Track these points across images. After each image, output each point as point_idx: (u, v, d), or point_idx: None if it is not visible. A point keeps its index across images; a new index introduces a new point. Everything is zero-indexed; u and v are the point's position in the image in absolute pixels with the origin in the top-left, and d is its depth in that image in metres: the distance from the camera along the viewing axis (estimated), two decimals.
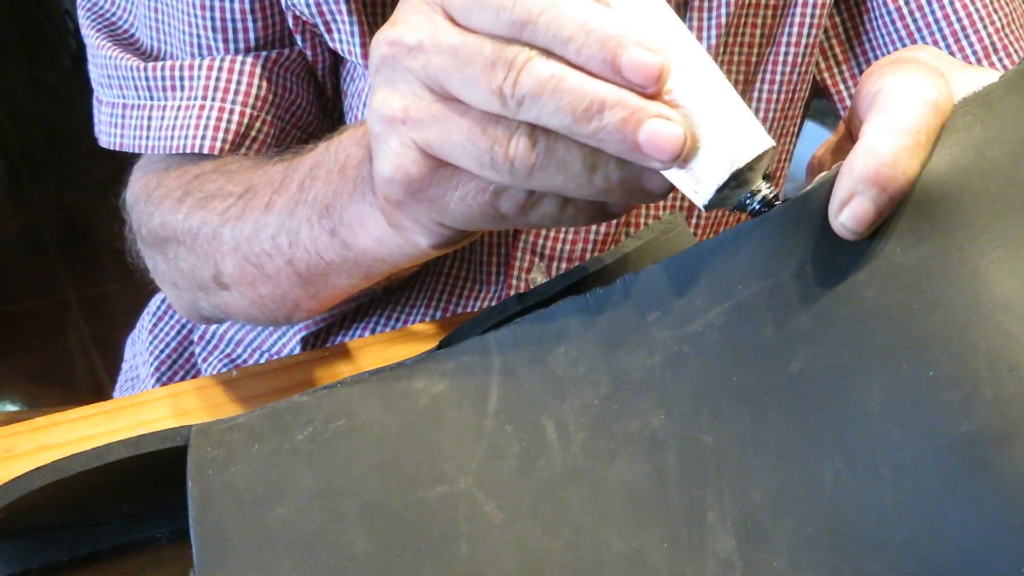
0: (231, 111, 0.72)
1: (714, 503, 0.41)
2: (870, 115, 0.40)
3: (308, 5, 0.71)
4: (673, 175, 0.42)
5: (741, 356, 0.42)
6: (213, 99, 0.72)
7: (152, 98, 0.74)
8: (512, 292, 0.82)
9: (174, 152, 0.73)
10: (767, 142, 0.42)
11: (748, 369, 0.42)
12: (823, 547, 0.39)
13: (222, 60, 0.73)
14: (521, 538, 0.42)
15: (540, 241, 0.80)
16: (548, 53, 0.41)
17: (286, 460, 0.44)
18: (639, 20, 0.42)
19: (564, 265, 0.80)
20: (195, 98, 0.73)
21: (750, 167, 0.41)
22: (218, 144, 0.72)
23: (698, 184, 0.41)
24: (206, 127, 0.72)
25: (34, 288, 2.09)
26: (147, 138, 0.74)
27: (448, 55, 0.42)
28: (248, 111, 0.72)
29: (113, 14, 0.78)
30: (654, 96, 0.41)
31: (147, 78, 0.74)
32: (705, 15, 0.75)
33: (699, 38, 0.76)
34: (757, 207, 0.43)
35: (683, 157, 0.41)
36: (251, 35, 0.73)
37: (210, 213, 0.66)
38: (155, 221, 0.72)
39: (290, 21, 0.73)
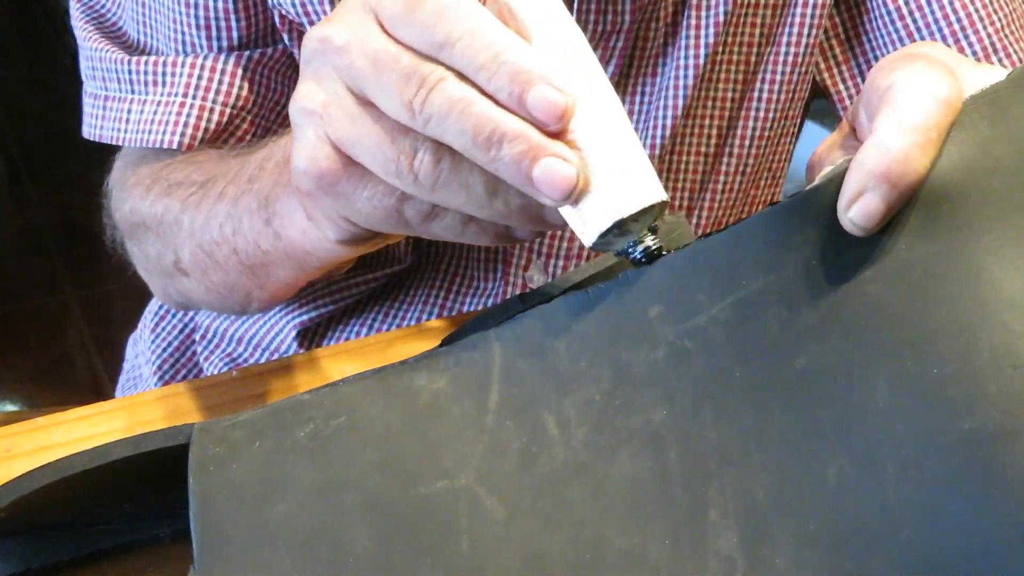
0: (211, 110, 0.73)
1: (716, 499, 0.41)
2: (881, 111, 0.40)
3: (293, 4, 0.71)
4: (565, 211, 0.43)
5: (744, 352, 0.42)
6: (194, 97, 0.73)
7: (133, 91, 0.75)
8: (510, 290, 0.82)
9: (151, 146, 0.74)
10: (656, 196, 0.43)
11: (751, 365, 0.42)
12: (826, 544, 0.39)
13: (205, 58, 0.73)
14: (522, 534, 0.42)
15: (538, 239, 0.80)
16: (462, 77, 0.42)
17: (287, 457, 0.44)
18: (556, 57, 0.43)
19: (561, 263, 0.80)
20: (176, 95, 0.73)
21: (634, 218, 0.43)
22: (196, 143, 0.73)
23: (584, 226, 0.43)
24: (186, 124, 0.73)
25: (34, 288, 2.09)
26: (125, 131, 0.75)
27: (369, 60, 0.43)
28: (228, 110, 0.73)
29: (103, 6, 0.79)
30: (557, 134, 0.42)
31: (130, 71, 0.75)
32: (703, 13, 0.75)
33: (697, 36, 0.76)
34: (639, 257, 0.44)
35: (574, 198, 0.42)
36: (234, 33, 0.73)
37: (174, 200, 0.67)
38: (126, 207, 0.74)
39: (276, 19, 0.74)
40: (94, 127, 0.78)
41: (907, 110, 0.40)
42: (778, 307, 0.41)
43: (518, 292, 0.81)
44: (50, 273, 2.11)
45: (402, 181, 0.44)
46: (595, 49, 0.74)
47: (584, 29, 0.73)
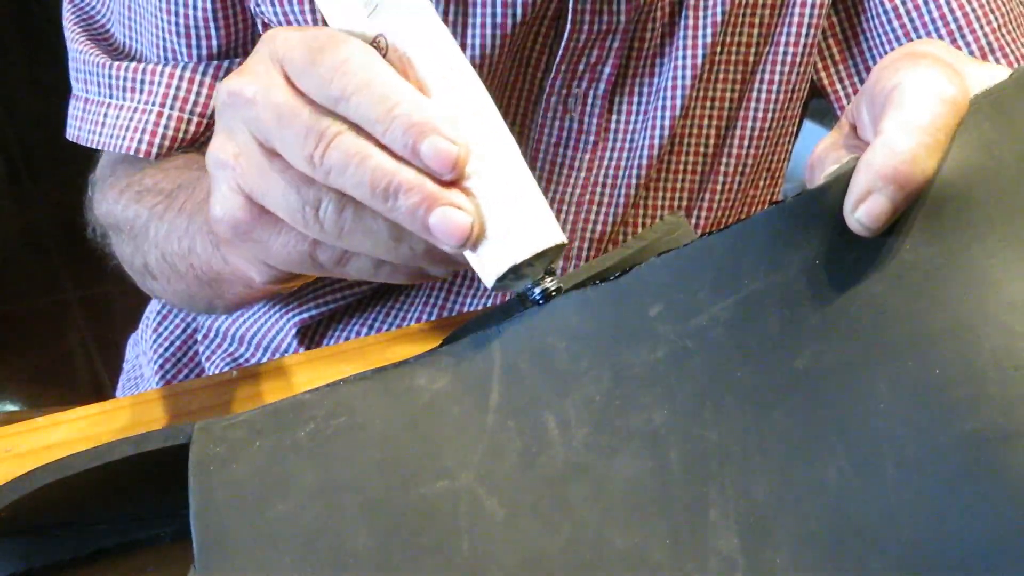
0: (188, 120, 0.74)
1: (717, 500, 0.41)
2: (888, 111, 0.40)
3: (275, 13, 0.71)
4: (466, 255, 0.45)
5: (745, 352, 0.42)
6: (171, 108, 0.74)
7: (111, 96, 0.76)
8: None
9: (124, 152, 0.75)
10: (550, 240, 0.44)
11: (752, 365, 0.42)
12: (827, 545, 0.39)
13: (184, 68, 0.74)
14: (522, 535, 0.42)
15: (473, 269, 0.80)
16: (360, 130, 0.44)
17: (287, 456, 0.44)
18: (452, 106, 0.44)
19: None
20: (153, 104, 0.74)
21: (529, 262, 0.44)
22: (173, 154, 0.74)
23: (483, 269, 0.44)
24: (163, 136, 0.74)
25: (34, 288, 2.09)
26: (100, 134, 0.76)
27: (274, 113, 0.44)
28: (205, 121, 0.74)
29: (92, 7, 0.79)
30: (453, 182, 0.44)
31: (110, 76, 0.75)
32: (701, 13, 0.75)
33: (694, 37, 0.76)
34: (537, 298, 0.45)
35: (471, 243, 0.44)
36: (214, 42, 0.74)
37: (142, 207, 0.69)
38: (103, 208, 0.75)
39: (260, 28, 0.74)
40: (73, 128, 0.79)
41: (915, 111, 0.39)
42: (780, 307, 0.41)
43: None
44: (50, 273, 2.10)
45: (310, 229, 0.46)
46: (591, 50, 0.74)
47: (579, 30, 0.73)
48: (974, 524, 0.37)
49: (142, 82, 0.75)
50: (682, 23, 0.76)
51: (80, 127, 0.78)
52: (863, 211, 0.39)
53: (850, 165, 0.40)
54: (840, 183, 0.40)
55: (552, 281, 0.46)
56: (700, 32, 0.76)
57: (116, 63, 0.75)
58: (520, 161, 0.45)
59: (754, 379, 0.41)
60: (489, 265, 0.44)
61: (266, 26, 0.73)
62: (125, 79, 0.75)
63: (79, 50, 0.78)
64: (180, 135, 0.74)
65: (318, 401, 0.46)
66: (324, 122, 0.44)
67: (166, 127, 0.74)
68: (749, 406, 0.41)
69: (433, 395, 0.45)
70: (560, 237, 0.44)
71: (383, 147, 0.43)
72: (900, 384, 0.39)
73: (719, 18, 0.75)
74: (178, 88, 0.74)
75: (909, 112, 0.40)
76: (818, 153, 0.46)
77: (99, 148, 0.77)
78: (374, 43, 0.46)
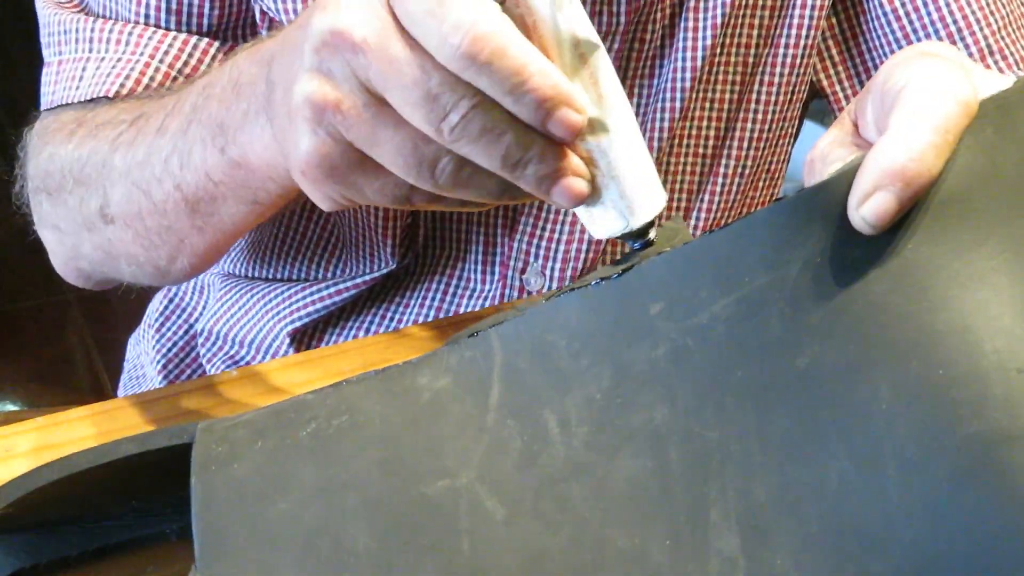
0: (175, 79, 0.70)
1: (718, 500, 0.41)
2: (898, 109, 0.40)
3: (275, 0, 0.70)
4: (576, 210, 0.47)
5: (746, 350, 0.42)
6: (161, 62, 0.70)
7: (92, 50, 0.71)
8: (507, 292, 0.82)
9: (103, 95, 0.69)
10: (658, 207, 0.46)
11: (753, 364, 0.41)
12: (827, 546, 0.39)
13: (174, 38, 0.71)
14: (523, 534, 0.42)
15: (535, 241, 0.80)
16: (486, 97, 0.42)
17: (289, 456, 0.44)
18: (572, 67, 0.44)
19: (558, 265, 0.80)
20: (141, 55, 0.70)
21: (641, 229, 0.46)
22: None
23: (592, 225, 0.47)
24: (147, 87, 0.69)
25: (34, 288, 2.09)
26: (77, 88, 0.71)
27: (392, 69, 0.42)
28: None
29: None
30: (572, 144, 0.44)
31: (92, 29, 0.71)
32: (700, 15, 0.75)
33: (694, 39, 0.76)
34: (636, 246, 0.47)
35: (584, 204, 0.45)
36: (205, 20, 0.71)
37: (101, 142, 0.64)
38: (44, 153, 0.70)
39: (257, 15, 0.72)
40: (46, 94, 0.73)
41: (925, 110, 0.39)
42: (781, 305, 0.41)
43: (515, 295, 0.81)
44: (50, 273, 2.10)
45: (421, 182, 0.45)
46: None
47: None
48: (976, 526, 0.36)
49: (128, 38, 0.70)
50: (682, 24, 0.76)
51: (54, 90, 0.72)
52: (868, 208, 0.39)
53: (855, 163, 0.40)
54: (842, 180, 0.40)
55: (653, 231, 0.47)
56: (700, 34, 0.76)
57: (100, 19, 0.71)
58: (633, 124, 0.46)
59: (755, 378, 0.41)
60: (599, 224, 0.46)
61: (263, 14, 0.72)
62: (111, 32, 0.71)
63: (52, 13, 0.73)
64: (167, 85, 0.69)
65: (320, 401, 0.46)
66: (455, 92, 0.42)
67: (151, 79, 0.69)
68: (750, 405, 0.41)
69: (434, 394, 0.45)
70: (663, 201, 0.47)
71: (512, 116, 0.43)
72: (902, 385, 0.38)
73: (719, 20, 0.75)
74: (170, 46, 0.70)
75: (920, 111, 0.39)
76: (819, 150, 0.46)
77: (75, 101, 0.70)
78: None
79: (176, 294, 0.92)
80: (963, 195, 0.40)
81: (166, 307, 0.91)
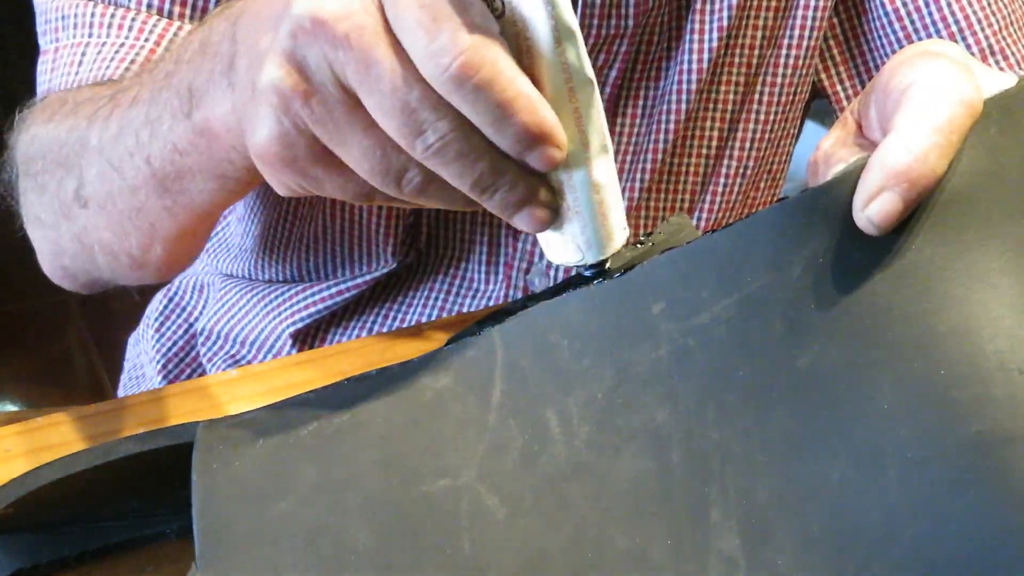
0: None
1: (719, 500, 0.41)
2: (903, 108, 0.40)
3: None
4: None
5: (748, 350, 0.42)
6: (167, 50, 0.65)
7: (91, 35, 0.69)
8: (511, 292, 0.82)
9: (104, 81, 0.66)
10: (617, 246, 0.46)
11: (755, 364, 0.41)
12: (828, 547, 0.39)
13: (179, 28, 0.69)
14: (523, 533, 0.42)
15: (538, 241, 0.80)
16: (465, 120, 0.41)
17: (290, 454, 0.44)
18: (559, 96, 0.43)
19: (564, 266, 0.80)
20: (147, 41, 0.67)
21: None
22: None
23: (548, 250, 0.47)
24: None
25: (34, 288, 2.08)
26: (76, 74, 0.68)
27: (372, 72, 0.40)
28: None
29: None
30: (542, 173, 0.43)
31: (92, 14, 0.68)
32: (707, 17, 0.75)
33: (700, 41, 0.76)
34: (589, 274, 0.47)
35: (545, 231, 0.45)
36: (211, 6, 0.69)
37: (80, 119, 0.62)
38: (28, 134, 0.67)
39: None
40: (43, 83, 0.70)
41: (931, 110, 0.39)
42: (783, 305, 0.41)
43: (519, 295, 0.81)
44: None
45: (386, 187, 0.44)
46: (598, 53, 0.74)
47: (587, 34, 0.73)
48: (977, 527, 0.36)
49: (132, 21, 0.68)
50: (688, 27, 0.76)
51: (51, 79, 0.69)
52: (874, 209, 0.39)
53: (858, 164, 0.40)
54: (846, 181, 0.40)
55: (608, 263, 0.46)
56: (706, 36, 0.76)
57: (101, 4, 0.68)
58: (610, 163, 0.45)
59: (756, 378, 0.41)
60: (556, 252, 0.46)
61: None
62: (112, 17, 0.68)
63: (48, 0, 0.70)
64: None
65: (322, 400, 0.46)
66: (435, 111, 0.40)
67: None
68: (751, 405, 0.41)
69: (435, 393, 0.45)
70: (624, 240, 0.46)
71: (489, 142, 0.42)
72: (904, 385, 0.38)
73: (725, 22, 0.75)
74: (175, 35, 0.68)
75: (925, 111, 0.39)
76: (822, 151, 0.46)
77: (73, 87, 0.67)
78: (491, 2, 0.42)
79: (176, 293, 0.92)
80: (967, 195, 0.39)
81: (166, 307, 0.91)
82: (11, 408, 1.84)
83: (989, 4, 0.77)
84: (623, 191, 0.80)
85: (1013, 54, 0.77)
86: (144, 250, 0.62)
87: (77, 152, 0.61)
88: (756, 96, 0.80)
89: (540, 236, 0.46)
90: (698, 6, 0.75)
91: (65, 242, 0.66)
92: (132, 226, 0.60)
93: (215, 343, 0.88)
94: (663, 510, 0.41)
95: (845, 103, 0.84)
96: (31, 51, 0.75)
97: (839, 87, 0.83)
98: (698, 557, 0.40)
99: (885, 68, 0.43)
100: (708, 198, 0.83)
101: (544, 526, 0.42)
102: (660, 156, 0.79)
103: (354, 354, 0.71)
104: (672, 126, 0.78)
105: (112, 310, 2.01)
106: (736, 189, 0.84)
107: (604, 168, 0.44)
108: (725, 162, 0.82)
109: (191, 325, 0.90)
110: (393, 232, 0.78)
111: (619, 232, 0.46)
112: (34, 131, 0.66)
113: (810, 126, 0.98)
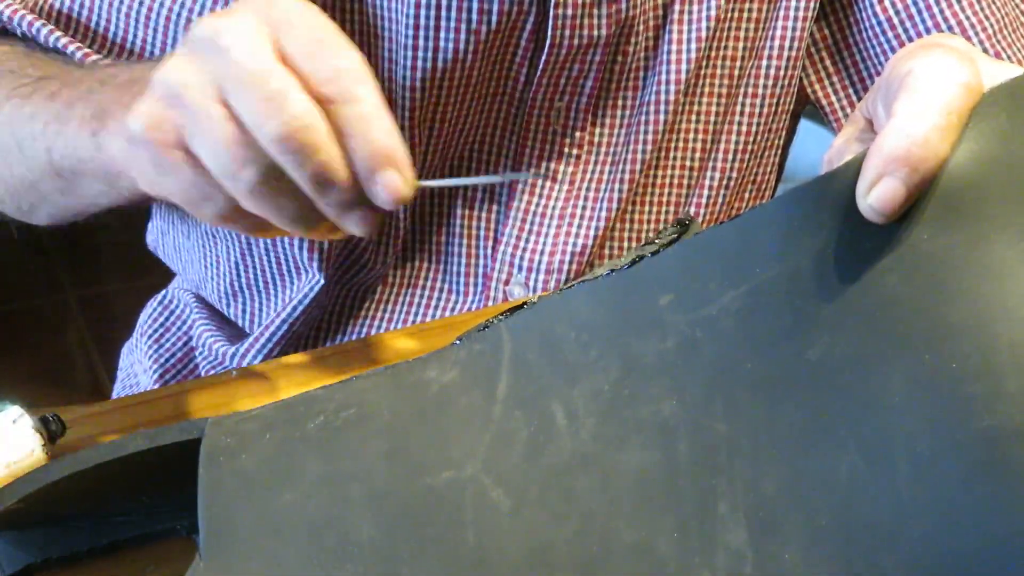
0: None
1: (726, 493, 0.40)
2: (900, 95, 0.40)
3: None
4: None
5: (756, 342, 0.41)
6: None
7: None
8: (490, 303, 0.81)
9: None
10: None
11: (763, 356, 0.41)
12: (836, 540, 0.38)
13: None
14: (528, 526, 0.42)
15: (519, 252, 0.80)
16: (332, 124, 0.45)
17: (296, 447, 0.44)
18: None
19: (542, 276, 0.80)
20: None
21: None
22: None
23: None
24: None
25: (34, 288, 2.09)
26: None
27: (249, 85, 0.44)
28: None
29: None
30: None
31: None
32: (685, 27, 0.75)
33: (679, 52, 0.76)
34: None
35: None
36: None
37: (0, 88, 0.65)
38: None
39: None
40: None
41: (926, 94, 0.39)
42: (791, 297, 0.41)
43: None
44: (50, 273, 2.10)
45: (229, 182, 0.46)
46: (572, 64, 0.74)
47: (560, 44, 0.72)
48: (987, 522, 0.36)
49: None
50: (667, 37, 0.76)
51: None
52: (875, 195, 0.39)
53: (862, 154, 0.40)
54: (851, 169, 0.40)
55: None
56: (685, 46, 0.76)
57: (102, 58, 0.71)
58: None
59: (764, 370, 0.41)
60: None
61: None
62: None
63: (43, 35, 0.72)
64: None
65: (329, 395, 0.46)
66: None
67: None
68: (759, 398, 0.41)
69: (442, 387, 0.45)
70: None
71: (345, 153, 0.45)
72: (915, 378, 0.38)
73: (704, 33, 0.75)
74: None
75: (921, 95, 0.39)
76: (835, 148, 0.46)
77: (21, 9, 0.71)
78: None
79: (170, 301, 0.92)
80: (978, 183, 0.39)
81: (160, 314, 0.91)
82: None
83: (982, 8, 0.77)
84: (603, 202, 0.79)
85: (1008, 57, 0.77)
86: (32, 210, 0.67)
87: None
88: (738, 107, 0.80)
89: None
90: (675, 16, 0.75)
91: None
92: (23, 191, 0.65)
93: (215, 358, 0.88)
94: (670, 503, 0.41)
95: (839, 113, 0.83)
96: None
97: (833, 97, 0.83)
98: (705, 550, 0.40)
99: (889, 63, 0.43)
100: (692, 209, 0.83)
101: (549, 519, 0.42)
102: (640, 167, 0.79)
103: (355, 354, 0.71)
104: (652, 136, 0.78)
105: (111, 310, 2.01)
106: (720, 200, 0.83)
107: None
108: (708, 173, 0.82)
109: (190, 338, 0.90)
110: (317, 246, 0.78)
111: None
112: None
113: (811, 126, 0.98)
